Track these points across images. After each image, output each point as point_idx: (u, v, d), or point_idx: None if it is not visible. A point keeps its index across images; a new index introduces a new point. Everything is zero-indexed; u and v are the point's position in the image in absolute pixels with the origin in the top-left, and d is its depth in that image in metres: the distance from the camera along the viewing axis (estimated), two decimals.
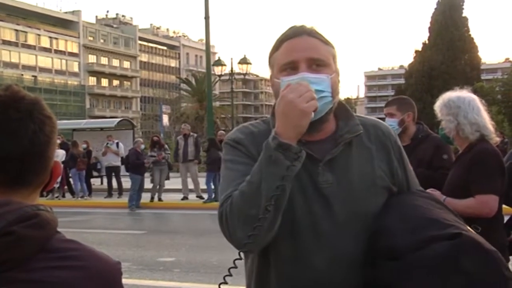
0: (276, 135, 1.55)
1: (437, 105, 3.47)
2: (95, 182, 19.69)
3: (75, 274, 1.12)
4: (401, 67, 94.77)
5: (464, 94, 3.41)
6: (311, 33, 1.71)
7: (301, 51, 1.68)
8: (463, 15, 51.75)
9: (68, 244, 1.18)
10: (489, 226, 3.23)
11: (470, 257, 1.51)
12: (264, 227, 1.53)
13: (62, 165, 1.41)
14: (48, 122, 1.22)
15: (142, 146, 15.80)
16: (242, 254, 1.54)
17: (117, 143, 18.07)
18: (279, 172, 1.52)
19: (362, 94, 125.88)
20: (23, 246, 1.09)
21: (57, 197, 17.69)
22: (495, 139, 3.36)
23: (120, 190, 17.74)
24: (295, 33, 1.71)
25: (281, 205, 1.55)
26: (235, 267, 1.50)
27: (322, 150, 1.70)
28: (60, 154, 17.38)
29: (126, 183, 16.60)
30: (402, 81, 63.05)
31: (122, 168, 17.34)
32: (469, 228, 1.66)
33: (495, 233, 3.27)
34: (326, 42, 1.73)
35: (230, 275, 1.48)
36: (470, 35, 51.95)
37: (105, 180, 19.05)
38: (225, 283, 1.50)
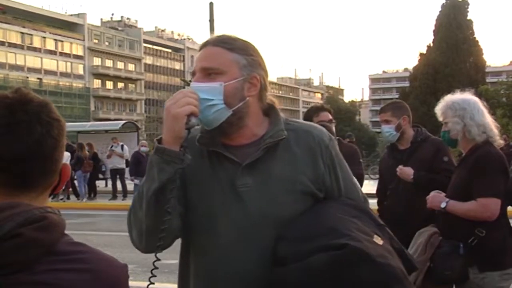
0: (158, 140, 1.69)
1: (439, 108, 3.46)
2: (100, 184, 19.71)
3: (82, 277, 1.13)
4: (406, 69, 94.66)
5: (467, 96, 3.40)
6: (215, 42, 1.77)
7: (198, 61, 1.77)
8: (468, 17, 51.61)
9: (75, 247, 1.18)
10: (493, 229, 3.23)
11: (352, 269, 1.50)
12: (169, 227, 1.64)
13: (70, 168, 1.43)
14: (56, 125, 1.22)
15: (143, 149, 15.75)
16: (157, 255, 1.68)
17: (122, 146, 18.10)
18: (158, 174, 1.65)
19: (366, 97, 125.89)
20: (31, 248, 1.09)
21: (61, 199, 17.72)
22: (499, 141, 3.35)
23: (125, 193, 17.75)
24: (202, 45, 1.81)
25: (156, 205, 1.64)
26: (157, 268, 1.64)
27: (245, 154, 1.76)
28: (65, 157, 17.34)
29: (131, 185, 16.61)
30: (406, 84, 62.96)
31: (127, 170, 17.36)
32: (378, 239, 1.64)
33: (498, 235, 3.26)
34: (232, 50, 1.76)
35: (155, 275, 1.66)
36: (475, 37, 51.81)
37: (109, 182, 19.07)
38: (152, 283, 1.66)
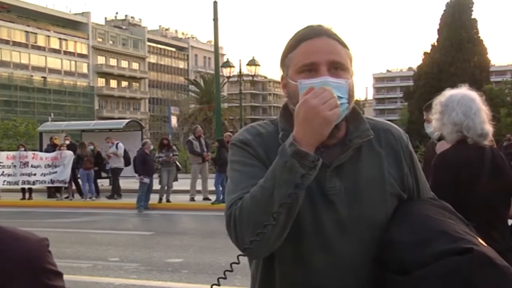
0: (294, 141, 1.48)
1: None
2: (104, 183, 19.73)
3: None
4: (410, 69, 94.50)
5: (458, 92, 3.14)
6: (330, 35, 1.63)
7: (322, 53, 1.59)
8: (472, 16, 51.52)
9: None
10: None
11: (482, 274, 1.44)
12: (267, 234, 1.48)
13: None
14: None
15: (151, 147, 15.83)
16: (240, 258, 1.48)
17: (117, 144, 17.92)
18: (293, 179, 1.46)
19: (370, 96, 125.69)
20: None
21: (66, 197, 17.75)
22: (483, 142, 3.01)
23: (113, 192, 17.60)
24: (315, 33, 1.63)
25: (292, 214, 1.51)
26: (231, 270, 1.45)
27: (331, 155, 1.62)
28: (68, 155, 17.43)
29: (134, 184, 16.62)
30: (410, 83, 62.83)
31: (126, 169, 17.34)
32: (480, 240, 1.58)
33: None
34: (344, 45, 1.65)
35: (225, 277, 1.45)
36: (479, 37, 51.71)
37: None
38: (218, 285, 1.47)
